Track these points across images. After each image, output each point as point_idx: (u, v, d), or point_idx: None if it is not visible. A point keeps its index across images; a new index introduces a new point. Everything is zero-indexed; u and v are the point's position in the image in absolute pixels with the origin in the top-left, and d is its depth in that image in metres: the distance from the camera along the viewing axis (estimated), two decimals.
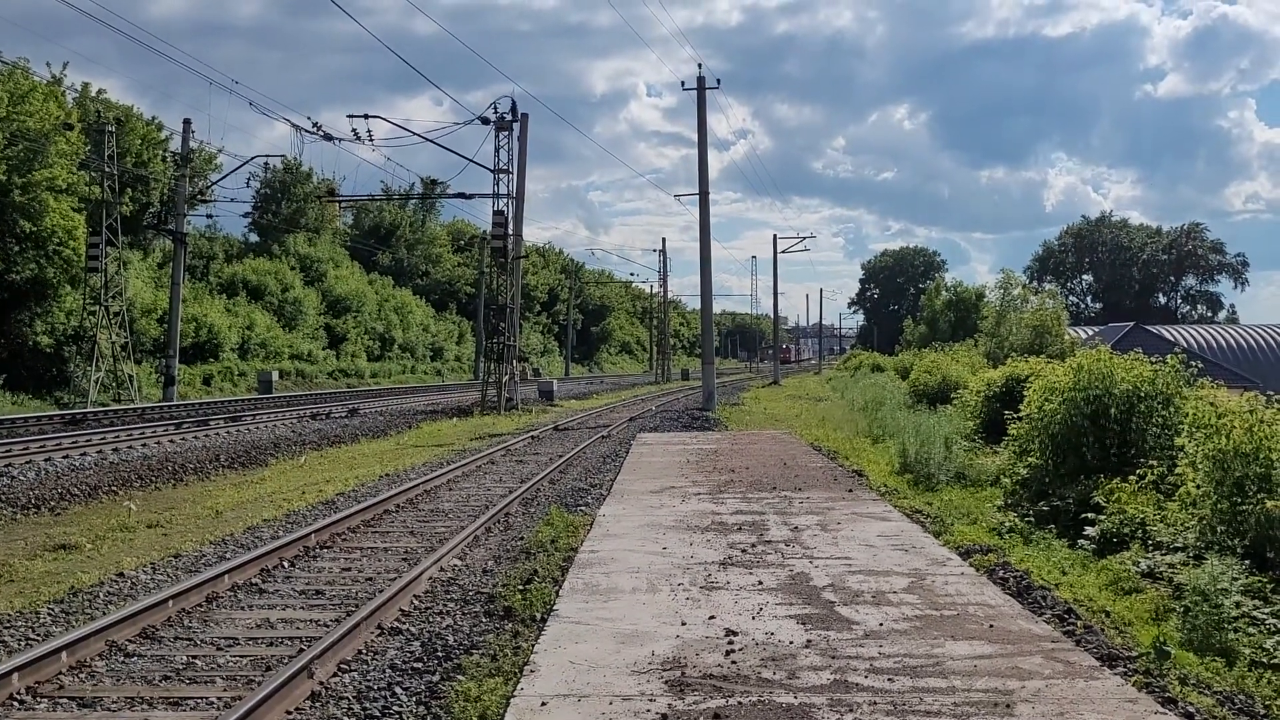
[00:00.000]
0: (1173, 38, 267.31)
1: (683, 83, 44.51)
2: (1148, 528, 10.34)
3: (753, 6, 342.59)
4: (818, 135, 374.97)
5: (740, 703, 6.01)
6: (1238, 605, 7.69)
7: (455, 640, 7.95)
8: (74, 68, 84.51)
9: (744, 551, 10.33)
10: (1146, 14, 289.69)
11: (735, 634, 7.35)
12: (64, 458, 20.29)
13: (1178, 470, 10.65)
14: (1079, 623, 7.77)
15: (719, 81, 37.52)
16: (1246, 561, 8.65)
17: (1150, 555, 9.75)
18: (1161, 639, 7.09)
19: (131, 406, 33.97)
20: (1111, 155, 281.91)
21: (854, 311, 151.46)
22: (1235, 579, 7.92)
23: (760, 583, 8.95)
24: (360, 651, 7.72)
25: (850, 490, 14.71)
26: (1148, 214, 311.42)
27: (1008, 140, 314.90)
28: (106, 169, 38.90)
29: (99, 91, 45.69)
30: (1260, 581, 8.32)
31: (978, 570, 9.46)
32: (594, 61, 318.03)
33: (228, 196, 78.74)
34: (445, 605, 9.08)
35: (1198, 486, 9.91)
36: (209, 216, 55.37)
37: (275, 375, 48.72)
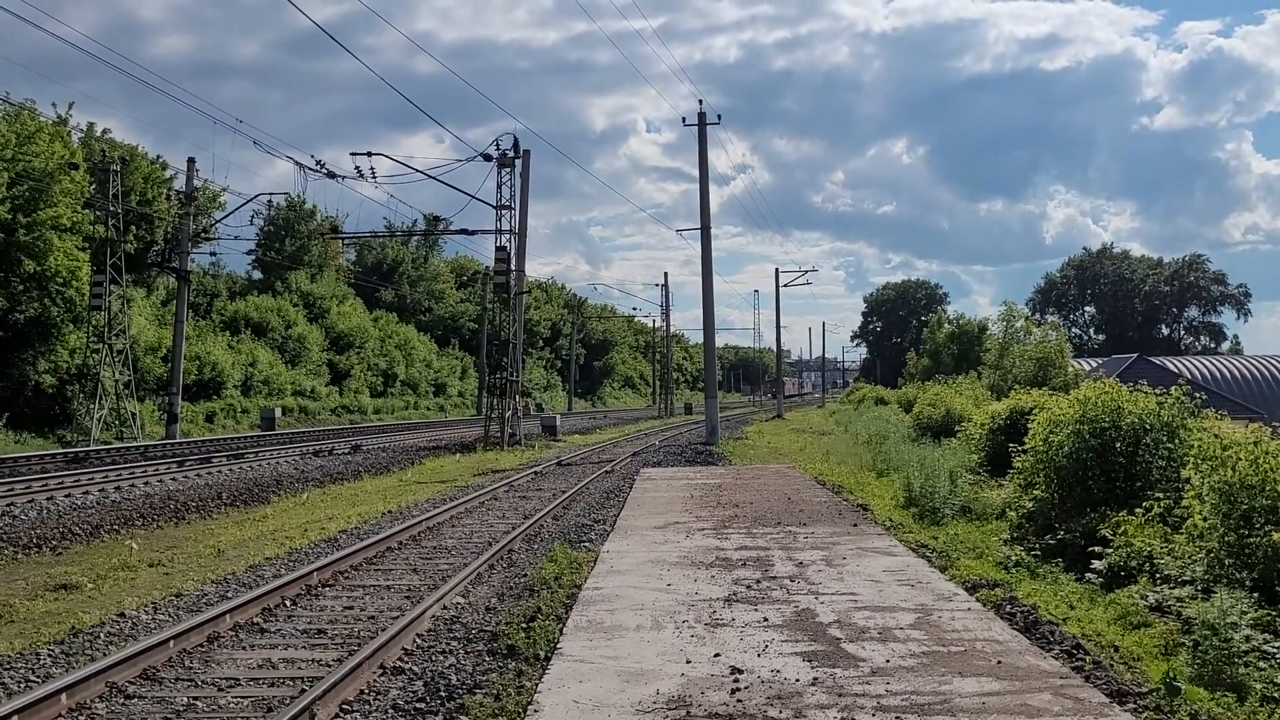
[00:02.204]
0: (1168, 70, 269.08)
1: (683, 119, 44.96)
2: (1155, 561, 10.26)
3: (750, 43, 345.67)
4: (817, 169, 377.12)
5: None
6: (1247, 639, 7.61)
7: (458, 679, 7.88)
8: (79, 108, 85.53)
9: (749, 588, 10.26)
10: (1142, 48, 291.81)
11: (740, 672, 7.28)
12: (66, 496, 20.24)
13: (1184, 503, 10.58)
14: (1088, 658, 7.71)
15: (719, 117, 38.07)
16: (1255, 594, 8.57)
17: (1158, 589, 9.67)
18: (1171, 674, 7.02)
19: (134, 445, 33.96)
20: (1110, 187, 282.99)
21: (856, 345, 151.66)
22: (1244, 612, 7.84)
23: (765, 619, 8.88)
24: (362, 691, 7.65)
25: (855, 525, 14.64)
26: (1147, 245, 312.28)
27: (1006, 173, 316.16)
28: (111, 208, 39.15)
29: (104, 131, 46.21)
30: (1270, 615, 8.24)
31: (985, 605, 9.39)
32: (593, 98, 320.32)
33: (231, 234, 78.80)
34: (448, 644, 9.00)
35: (1204, 519, 9.85)
36: (212, 254, 55.45)
37: (278, 412, 48.70)
